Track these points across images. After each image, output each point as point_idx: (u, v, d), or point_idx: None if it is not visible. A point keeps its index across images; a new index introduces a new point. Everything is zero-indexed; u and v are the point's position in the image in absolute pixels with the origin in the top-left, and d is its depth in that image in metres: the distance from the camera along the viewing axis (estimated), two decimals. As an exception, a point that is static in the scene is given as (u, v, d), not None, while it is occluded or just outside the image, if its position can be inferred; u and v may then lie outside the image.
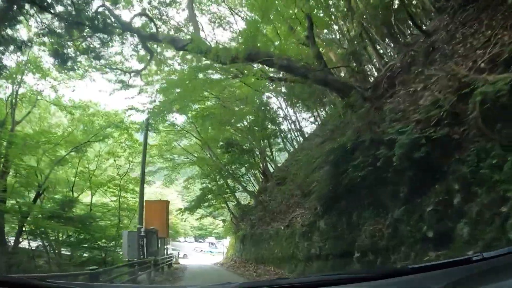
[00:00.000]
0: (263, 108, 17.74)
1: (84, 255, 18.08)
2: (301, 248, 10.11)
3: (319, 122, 23.46)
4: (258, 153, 20.39)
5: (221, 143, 20.48)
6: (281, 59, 10.96)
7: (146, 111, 18.44)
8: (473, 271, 1.29)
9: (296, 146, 25.63)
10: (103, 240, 16.58)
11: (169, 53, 21.10)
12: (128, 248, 12.54)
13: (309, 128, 26.46)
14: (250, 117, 20.16)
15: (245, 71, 16.15)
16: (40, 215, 15.23)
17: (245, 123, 22.00)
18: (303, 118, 25.69)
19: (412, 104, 6.99)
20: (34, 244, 17.03)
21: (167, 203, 19.46)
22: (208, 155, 21.26)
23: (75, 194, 23.22)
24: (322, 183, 8.67)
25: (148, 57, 16.88)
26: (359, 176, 6.33)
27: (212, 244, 43.34)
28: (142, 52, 20.52)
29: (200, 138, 20.25)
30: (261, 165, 24.15)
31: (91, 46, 19.66)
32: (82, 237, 17.33)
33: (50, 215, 15.62)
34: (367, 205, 6.95)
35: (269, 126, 23.30)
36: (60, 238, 17.97)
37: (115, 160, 23.58)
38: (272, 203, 18.23)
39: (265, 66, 12.21)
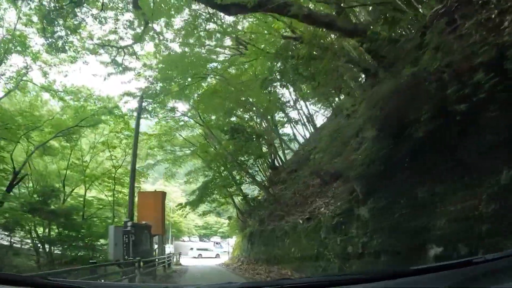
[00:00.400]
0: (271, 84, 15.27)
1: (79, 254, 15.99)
2: (331, 245, 7.70)
3: (333, 110, 21.18)
4: (266, 137, 17.97)
5: (226, 129, 18.14)
6: (301, 7, 8.63)
7: (141, 90, 16.21)
8: (474, 273, 1.26)
9: (308, 136, 23.42)
10: (90, 238, 14.28)
11: (169, 34, 19.00)
12: (114, 246, 10.26)
13: (319, 119, 24.44)
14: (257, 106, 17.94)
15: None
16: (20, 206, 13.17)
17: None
18: (312, 107, 23.55)
19: (492, 30, 4.81)
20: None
21: (163, 194, 17.04)
22: (212, 144, 18.86)
23: (69, 188, 21.40)
24: (364, 155, 6.26)
25: (143, 26, 14.71)
26: (442, 124, 3.92)
27: (217, 243, 41.08)
28: (138, 30, 18.60)
29: (203, 124, 17.92)
30: (269, 157, 21.84)
31: (83, 23, 17.66)
32: (69, 233, 15.12)
33: (32, 208, 13.51)
34: (445, 173, 4.55)
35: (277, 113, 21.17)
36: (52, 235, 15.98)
37: (110, 151, 21.41)
38: (285, 195, 15.85)
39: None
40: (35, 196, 14.74)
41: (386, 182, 5.86)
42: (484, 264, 1.29)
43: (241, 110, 19.24)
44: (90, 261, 7.40)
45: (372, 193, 6.27)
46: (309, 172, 16.05)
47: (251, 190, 20.83)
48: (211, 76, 17.56)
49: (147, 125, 25.44)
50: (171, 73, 16.02)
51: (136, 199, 16.04)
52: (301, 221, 10.24)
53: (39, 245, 15.87)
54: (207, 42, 18.33)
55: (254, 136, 17.16)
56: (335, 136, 11.14)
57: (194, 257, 30.01)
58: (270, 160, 22.12)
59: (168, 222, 38.55)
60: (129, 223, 10.04)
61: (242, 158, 18.76)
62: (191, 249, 34.63)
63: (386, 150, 5.51)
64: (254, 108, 19.33)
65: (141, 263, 8.76)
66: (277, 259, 11.82)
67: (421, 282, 1.29)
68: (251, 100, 18.55)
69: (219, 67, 17.85)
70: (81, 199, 20.38)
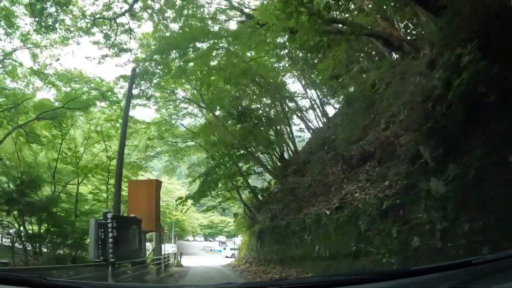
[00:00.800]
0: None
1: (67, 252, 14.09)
2: (379, 239, 5.54)
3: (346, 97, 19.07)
4: (276, 125, 15.85)
5: (232, 114, 16.03)
6: None
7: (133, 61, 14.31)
8: (474, 273, 1.25)
9: (318, 126, 21.35)
10: (74, 235, 12.31)
11: (169, 13, 17.08)
12: (94, 244, 8.18)
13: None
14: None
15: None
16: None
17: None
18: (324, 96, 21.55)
19: None
20: None
21: (157, 183, 14.69)
22: (216, 129, 16.74)
23: (64, 183, 19.65)
24: (439, 96, 4.09)
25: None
26: None
27: (222, 243, 38.96)
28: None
29: (205, 107, 15.89)
30: (279, 148, 19.71)
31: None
32: (52, 229, 13.21)
33: (8, 198, 11.65)
34: None
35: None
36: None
37: (104, 140, 19.49)
38: (300, 185, 13.72)
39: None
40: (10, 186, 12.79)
41: (479, 133, 3.71)
42: (484, 265, 1.26)
43: (248, 96, 17.25)
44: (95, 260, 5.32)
45: (452, 155, 4.11)
46: (329, 159, 13.96)
47: (261, 181, 18.68)
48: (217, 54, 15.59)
49: (149, 116, 23.70)
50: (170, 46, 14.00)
51: (125, 193, 13.88)
52: (327, 212, 8.08)
53: (26, 242, 14.16)
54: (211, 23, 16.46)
55: (263, 121, 15.08)
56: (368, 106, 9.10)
57: (227, 257, 29.21)
58: (279, 151, 20.01)
59: (171, 220, 36.62)
60: (109, 215, 7.91)
61: (251, 149, 16.69)
62: (224, 248, 33.79)
63: (484, 78, 3.34)
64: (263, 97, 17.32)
65: (115, 265, 6.69)
66: (295, 260, 9.67)
67: (420, 283, 1.27)
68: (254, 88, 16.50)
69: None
70: (69, 192, 18.60)
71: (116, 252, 7.43)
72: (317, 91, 20.79)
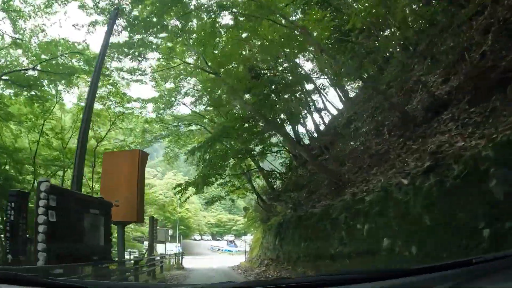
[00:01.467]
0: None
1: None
2: None
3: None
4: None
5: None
6: None
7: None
8: (473, 273, 1.22)
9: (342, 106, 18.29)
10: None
11: None
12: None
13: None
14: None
15: None
16: None
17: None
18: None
19: None
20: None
21: (142, 155, 10.56)
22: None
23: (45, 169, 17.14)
24: None
25: None
26: None
27: (231, 242, 35.94)
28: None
29: (210, 71, 12.91)
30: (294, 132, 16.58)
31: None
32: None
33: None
34: None
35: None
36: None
37: (92, 121, 16.71)
38: (331, 163, 10.60)
39: None
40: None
41: None
42: (484, 264, 1.23)
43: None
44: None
45: None
46: (366, 131, 10.86)
47: (278, 164, 15.57)
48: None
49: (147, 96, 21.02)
50: None
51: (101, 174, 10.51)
52: (405, 181, 4.95)
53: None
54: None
55: (283, 86, 12.07)
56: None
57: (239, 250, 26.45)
58: (295, 133, 16.89)
59: (175, 218, 33.75)
60: (44, 185, 4.62)
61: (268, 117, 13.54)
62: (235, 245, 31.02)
63: None
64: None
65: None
66: (340, 260, 6.56)
67: (420, 282, 1.23)
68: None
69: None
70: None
71: (55, 248, 4.40)
72: (338, 66, 17.73)
